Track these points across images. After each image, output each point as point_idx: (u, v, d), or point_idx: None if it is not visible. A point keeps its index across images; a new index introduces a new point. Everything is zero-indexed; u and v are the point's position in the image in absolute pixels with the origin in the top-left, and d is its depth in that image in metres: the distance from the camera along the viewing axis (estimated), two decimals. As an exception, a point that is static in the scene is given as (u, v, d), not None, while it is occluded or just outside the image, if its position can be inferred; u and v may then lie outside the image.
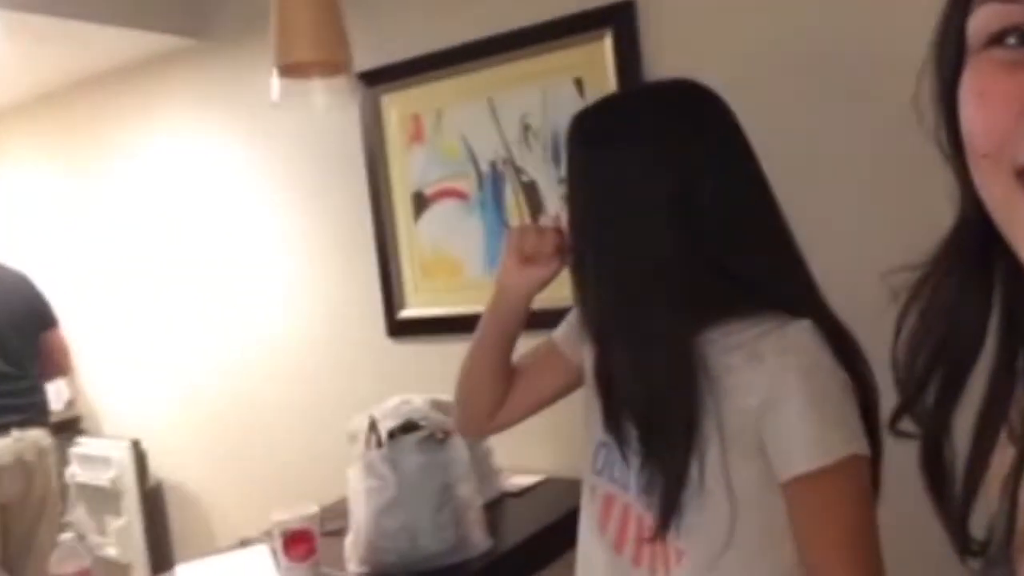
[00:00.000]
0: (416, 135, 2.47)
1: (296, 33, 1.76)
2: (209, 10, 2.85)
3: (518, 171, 2.30)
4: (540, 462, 2.30)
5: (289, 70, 1.81)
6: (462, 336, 2.30)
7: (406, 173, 2.50)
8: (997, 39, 0.43)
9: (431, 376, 2.39)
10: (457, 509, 1.74)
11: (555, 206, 2.24)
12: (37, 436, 2.76)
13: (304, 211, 2.76)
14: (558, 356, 1.25)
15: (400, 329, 2.56)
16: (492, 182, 2.36)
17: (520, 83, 2.26)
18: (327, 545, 1.81)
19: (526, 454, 2.28)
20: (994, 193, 0.44)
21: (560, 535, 1.57)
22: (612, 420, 1.03)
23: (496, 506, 2.12)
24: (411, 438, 1.69)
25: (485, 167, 2.36)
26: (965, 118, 0.45)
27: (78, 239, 3.42)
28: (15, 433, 2.70)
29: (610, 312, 1.00)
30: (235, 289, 2.96)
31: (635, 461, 1.01)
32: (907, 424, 0.54)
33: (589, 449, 1.10)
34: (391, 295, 2.56)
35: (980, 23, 0.43)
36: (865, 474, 0.93)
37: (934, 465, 0.52)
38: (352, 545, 1.74)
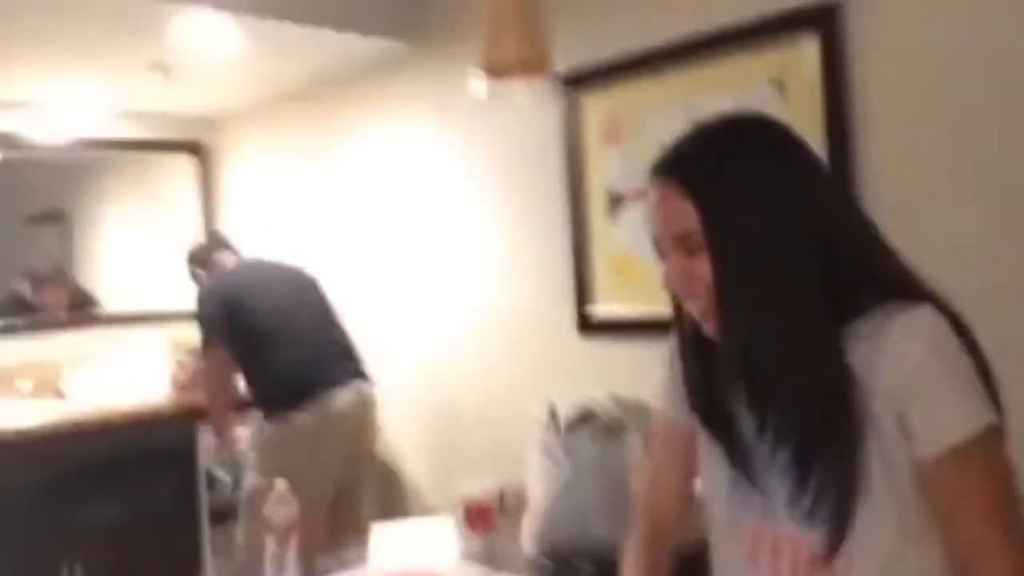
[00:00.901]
0: (614, 136, 2.52)
1: (502, 36, 1.86)
2: (423, 16, 3.04)
3: (714, 174, 2.29)
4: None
5: (494, 71, 1.91)
6: (649, 337, 2.35)
7: (602, 173, 2.56)
8: None
9: (618, 374, 2.45)
10: (632, 502, 1.77)
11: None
12: (369, 389, 3.00)
13: (504, 207, 2.89)
14: (679, 433, 1.20)
15: (590, 326, 2.62)
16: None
17: (718, 86, 2.25)
18: (507, 523, 1.91)
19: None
20: None
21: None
22: (741, 452, 1.03)
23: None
24: (587, 428, 1.74)
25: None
26: None
27: (304, 228, 3.74)
28: (356, 385, 2.95)
29: (761, 339, 0.99)
30: (439, 276, 3.14)
31: (779, 486, 1.00)
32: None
33: (716, 491, 1.09)
34: (583, 293, 2.62)
35: None
36: (1004, 444, 0.93)
37: None
38: (529, 524, 1.82)
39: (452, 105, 2.99)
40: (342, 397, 2.80)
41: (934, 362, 0.91)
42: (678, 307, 1.09)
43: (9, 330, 3.64)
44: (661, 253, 1.04)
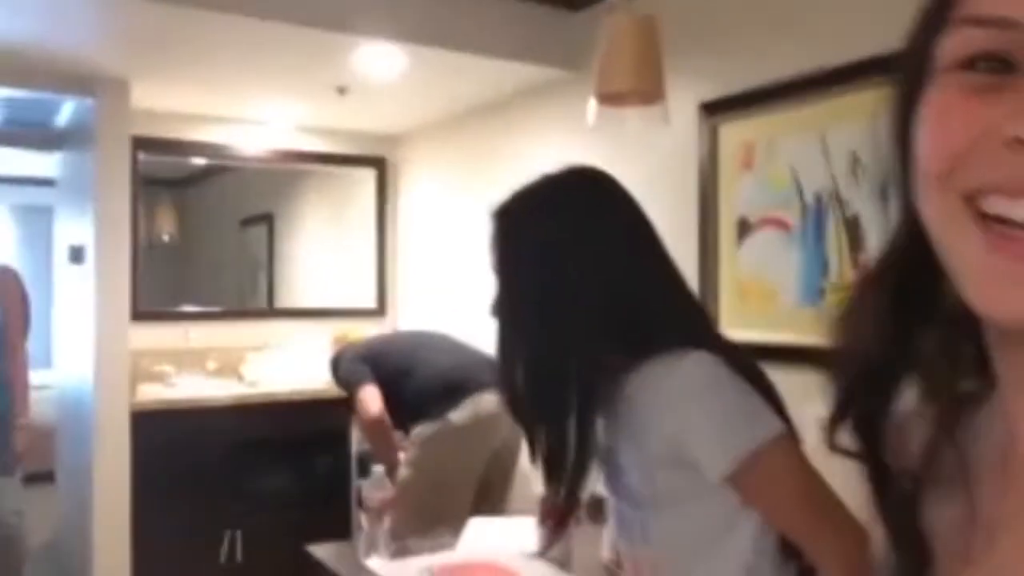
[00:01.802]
0: (747, 163, 2.53)
1: (618, 65, 1.97)
2: (581, 46, 3.17)
3: (843, 204, 2.26)
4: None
5: (608, 98, 2.01)
6: (770, 363, 2.33)
7: (734, 199, 2.57)
8: (968, 63, 0.42)
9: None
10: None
11: (876, 242, 2.15)
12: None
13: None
14: None
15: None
16: (816, 214, 2.33)
17: (852, 116, 2.22)
18: (591, 531, 1.99)
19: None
20: (939, 216, 0.44)
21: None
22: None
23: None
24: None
25: (810, 199, 2.35)
26: (922, 136, 0.45)
27: (467, 241, 3.98)
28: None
29: (541, 368, 1.15)
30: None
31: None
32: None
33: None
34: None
35: (953, 45, 0.43)
36: (787, 445, 1.06)
37: (876, 478, 0.53)
38: (607, 532, 1.89)
39: (608, 130, 3.10)
40: (490, 399, 2.96)
41: (700, 404, 1.06)
42: None
43: (207, 317, 4.14)
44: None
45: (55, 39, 2.95)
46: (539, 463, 1.17)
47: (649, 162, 2.91)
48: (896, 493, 0.51)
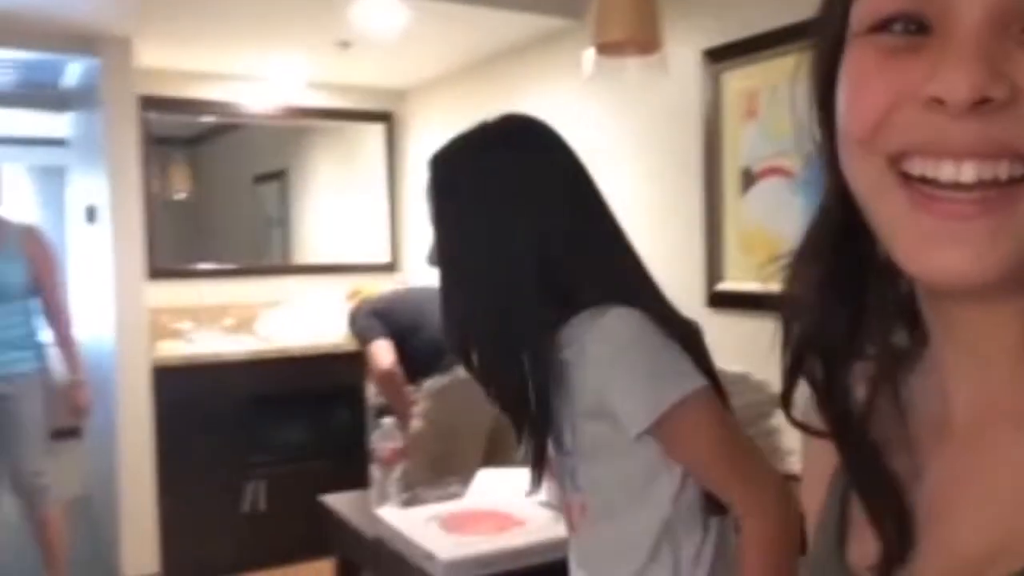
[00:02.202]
0: (751, 111, 2.51)
1: (614, 14, 1.95)
2: (587, -8, 3.13)
3: (846, 151, 2.24)
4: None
5: (606, 48, 2.00)
6: (775, 314, 2.34)
7: (738, 148, 2.56)
8: (882, 26, 0.43)
9: (743, 349, 2.46)
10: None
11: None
12: None
13: (643, 177, 2.96)
14: None
15: (718, 300, 2.64)
16: (819, 162, 2.32)
17: (855, 60, 2.19)
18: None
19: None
20: (864, 179, 0.44)
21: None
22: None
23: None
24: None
25: (814, 147, 2.33)
26: (842, 101, 0.45)
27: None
28: None
29: (481, 321, 1.16)
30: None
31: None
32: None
33: None
34: (712, 266, 2.65)
35: (867, 9, 0.43)
36: (706, 401, 1.07)
37: (840, 435, 0.53)
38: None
39: (613, 80, 3.08)
40: None
41: (619, 360, 1.08)
42: None
43: (223, 274, 4.20)
44: None
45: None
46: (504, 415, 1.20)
47: (652, 112, 2.90)
48: (863, 445, 0.52)
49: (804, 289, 0.52)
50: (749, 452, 1.10)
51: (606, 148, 3.15)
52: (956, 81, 0.39)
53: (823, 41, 0.48)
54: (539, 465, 1.16)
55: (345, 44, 3.43)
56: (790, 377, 0.53)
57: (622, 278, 1.17)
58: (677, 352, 1.09)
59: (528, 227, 1.14)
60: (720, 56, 2.57)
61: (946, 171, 0.41)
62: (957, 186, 0.41)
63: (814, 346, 0.52)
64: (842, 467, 0.54)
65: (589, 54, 1.97)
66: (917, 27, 0.42)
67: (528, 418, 1.15)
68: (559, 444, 1.19)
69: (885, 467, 0.50)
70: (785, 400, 0.54)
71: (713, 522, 1.14)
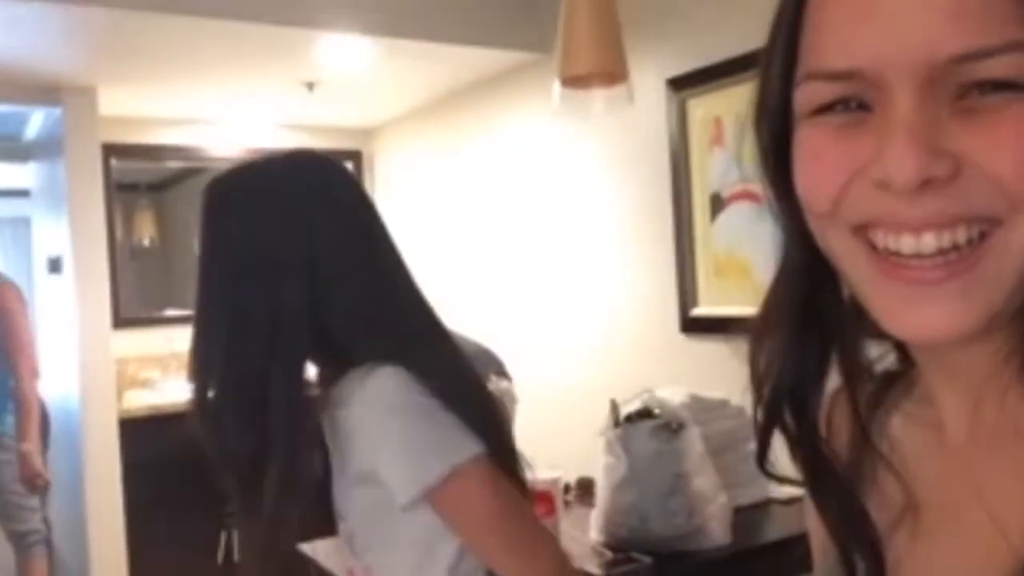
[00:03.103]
0: (717, 138, 2.53)
1: (578, 49, 1.96)
2: (550, 26, 3.15)
3: (813, 175, 2.26)
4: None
5: (572, 81, 2.01)
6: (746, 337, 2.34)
7: (706, 175, 2.58)
8: (826, 108, 0.45)
9: (720, 374, 2.46)
10: (692, 499, 1.81)
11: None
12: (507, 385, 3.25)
13: (615, 206, 2.97)
14: None
15: (692, 326, 2.64)
16: (787, 185, 2.34)
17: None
18: (580, 513, 2.00)
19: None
20: (835, 248, 0.47)
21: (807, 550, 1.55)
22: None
23: (757, 509, 2.13)
24: (646, 424, 1.80)
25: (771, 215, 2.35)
26: (800, 179, 0.47)
27: (446, 224, 3.98)
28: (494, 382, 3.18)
29: (229, 374, 1.04)
30: (555, 270, 3.27)
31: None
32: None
33: None
34: (685, 292, 2.65)
35: (807, 96, 0.45)
36: (481, 470, 1.00)
37: (813, 471, 0.55)
38: (595, 515, 1.90)
39: (568, 110, 3.10)
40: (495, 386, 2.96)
41: (386, 425, 1.00)
42: None
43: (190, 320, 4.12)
44: None
45: (18, 49, 2.92)
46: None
47: (621, 141, 2.92)
48: (836, 480, 0.53)
49: (772, 348, 0.53)
50: (528, 524, 1.04)
51: (576, 177, 3.16)
52: (898, 167, 0.41)
53: (768, 122, 0.50)
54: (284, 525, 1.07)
55: (311, 84, 3.43)
56: (764, 433, 0.55)
57: (405, 336, 1.08)
58: (451, 419, 1.00)
59: (302, 270, 1.03)
60: (683, 84, 2.59)
61: (906, 243, 0.43)
62: (920, 256, 0.42)
63: (785, 400, 0.53)
64: (816, 509, 0.55)
65: (556, 88, 1.97)
66: (858, 104, 0.44)
67: (259, 482, 1.05)
68: (337, 509, 1.14)
69: (859, 513, 0.52)
70: (761, 455, 0.56)
71: None
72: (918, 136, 0.40)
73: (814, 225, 0.47)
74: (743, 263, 2.47)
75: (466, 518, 1.03)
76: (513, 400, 3.09)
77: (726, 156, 2.50)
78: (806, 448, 0.53)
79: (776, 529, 2.04)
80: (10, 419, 3.15)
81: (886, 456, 0.52)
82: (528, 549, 1.03)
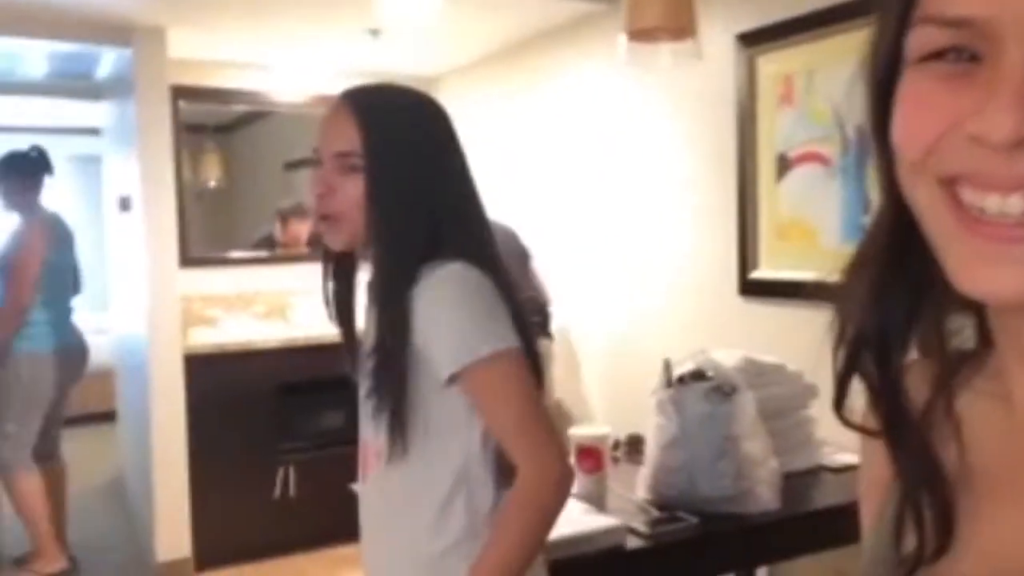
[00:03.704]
0: (786, 96, 2.46)
1: (645, 1, 1.91)
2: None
3: (885, 138, 2.19)
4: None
5: (638, 34, 1.97)
6: (810, 303, 2.31)
7: (773, 134, 2.51)
8: (936, 55, 0.44)
9: (777, 338, 2.43)
10: (740, 462, 1.80)
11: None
12: (548, 344, 3.28)
13: (677, 162, 2.93)
14: None
15: (751, 288, 2.61)
16: (857, 148, 2.27)
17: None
18: (628, 470, 2.02)
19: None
20: (919, 199, 0.46)
21: (857, 519, 1.53)
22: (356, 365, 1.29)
23: (807, 476, 2.11)
24: (698, 386, 1.80)
25: (852, 133, 2.28)
26: (896, 125, 0.47)
27: (507, 174, 3.97)
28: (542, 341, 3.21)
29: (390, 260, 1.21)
30: (615, 226, 3.25)
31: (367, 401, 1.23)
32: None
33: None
34: (745, 254, 2.61)
35: (919, 41, 0.45)
36: (515, 362, 1.17)
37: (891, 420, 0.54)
38: (643, 473, 1.91)
39: (634, 64, 3.04)
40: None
41: (447, 306, 1.16)
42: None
43: (254, 262, 4.22)
44: (318, 165, 1.24)
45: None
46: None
47: (686, 97, 2.86)
48: (914, 433, 0.53)
49: (859, 292, 0.53)
50: (543, 419, 1.19)
51: (640, 132, 3.12)
52: (997, 123, 0.40)
53: (877, 69, 0.49)
54: (402, 423, 1.19)
55: (375, 31, 3.42)
56: (843, 378, 0.54)
57: (476, 244, 1.25)
58: (502, 314, 1.18)
59: (436, 179, 1.24)
60: (755, 40, 2.52)
61: (992, 203, 0.42)
62: (1004, 215, 0.42)
63: (868, 345, 0.53)
64: (892, 463, 0.55)
65: (621, 40, 1.94)
66: (970, 56, 0.43)
67: (386, 373, 1.19)
68: (376, 388, 1.22)
69: (933, 461, 0.52)
70: (838, 401, 0.55)
71: (503, 493, 1.21)
72: (1022, 94, 0.40)
73: (904, 174, 0.47)
74: (807, 226, 2.42)
75: (495, 398, 1.18)
76: (550, 358, 3.11)
77: (795, 115, 2.44)
78: (887, 400, 0.53)
79: (826, 497, 2.03)
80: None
81: (954, 424, 0.52)
82: (542, 436, 1.17)
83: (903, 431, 0.53)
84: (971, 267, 0.44)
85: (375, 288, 1.22)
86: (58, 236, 3.51)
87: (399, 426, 1.20)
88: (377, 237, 1.21)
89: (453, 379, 1.16)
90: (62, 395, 3.55)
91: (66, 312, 3.53)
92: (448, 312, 1.17)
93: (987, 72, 0.42)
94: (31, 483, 3.43)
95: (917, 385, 0.54)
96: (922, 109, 0.45)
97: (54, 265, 3.44)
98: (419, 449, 1.21)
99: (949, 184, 0.44)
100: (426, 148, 1.25)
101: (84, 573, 3.65)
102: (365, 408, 1.26)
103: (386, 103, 1.28)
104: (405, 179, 1.22)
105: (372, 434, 1.25)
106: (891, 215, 0.51)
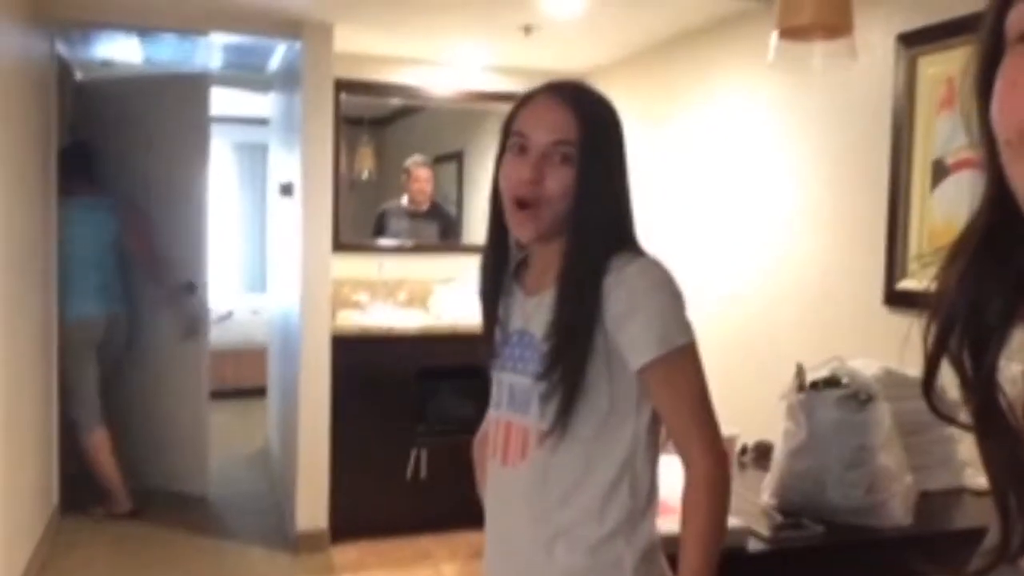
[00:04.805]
0: (947, 100, 2.36)
1: (801, -2, 1.87)
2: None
3: (1055, 145, 2.06)
4: None
5: (791, 32, 1.93)
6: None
7: (931, 139, 2.41)
8: None
9: (921, 351, 2.33)
10: (874, 473, 1.75)
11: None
12: None
13: (825, 164, 2.84)
14: None
15: (897, 299, 2.51)
16: (1023, 156, 2.15)
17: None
18: (755, 476, 1.99)
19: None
20: (1018, 180, 0.46)
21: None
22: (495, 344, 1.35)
23: (946, 496, 2.02)
24: (832, 393, 1.75)
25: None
26: (994, 105, 0.47)
27: (654, 171, 3.96)
28: None
29: (586, 247, 1.26)
30: (753, 222, 3.19)
31: (529, 384, 1.26)
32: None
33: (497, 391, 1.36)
34: (893, 263, 2.51)
35: (1018, 18, 0.45)
36: (696, 354, 1.23)
37: (987, 431, 0.53)
38: (769, 478, 1.88)
39: (785, 63, 2.97)
40: None
41: (650, 296, 1.21)
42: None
43: (398, 250, 4.40)
44: (523, 152, 1.26)
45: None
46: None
47: (839, 99, 2.78)
48: (1006, 428, 0.52)
49: (954, 277, 0.52)
50: (710, 405, 1.25)
51: (788, 133, 3.05)
52: None
53: (981, 47, 0.49)
54: (572, 403, 1.23)
55: (528, 28, 3.50)
56: (932, 359, 0.53)
57: (636, 239, 1.32)
58: (685, 306, 1.24)
59: (626, 176, 1.31)
60: (916, 40, 2.42)
61: None
62: None
63: (959, 328, 0.52)
64: (981, 458, 0.54)
65: (773, 38, 1.91)
66: None
67: (563, 353, 1.23)
68: (532, 370, 1.26)
69: (1022, 461, 0.50)
70: (927, 384, 0.55)
71: (653, 484, 1.28)
72: None
73: (1004, 154, 0.47)
74: (962, 236, 2.30)
75: (680, 388, 1.23)
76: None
77: (955, 119, 2.32)
78: (980, 392, 0.52)
79: (963, 519, 1.94)
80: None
81: None
82: (714, 424, 1.23)
83: (994, 426, 0.52)
84: None
85: (568, 275, 1.25)
86: (83, 220, 3.95)
87: (571, 410, 1.23)
88: (576, 227, 1.25)
89: (645, 367, 1.20)
90: (109, 360, 4.05)
91: (88, 287, 3.96)
92: (651, 302, 1.21)
93: None
94: (97, 439, 3.91)
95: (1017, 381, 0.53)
96: (1018, 88, 0.45)
97: (77, 244, 3.90)
98: (590, 433, 1.24)
99: None
100: (622, 147, 1.32)
101: (228, 534, 3.93)
102: (514, 390, 1.30)
103: (595, 100, 1.33)
104: (610, 174, 1.28)
105: (536, 417, 1.26)
106: (992, 200, 0.50)
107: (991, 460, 0.53)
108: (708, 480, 1.21)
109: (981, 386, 0.52)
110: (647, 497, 1.27)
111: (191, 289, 4.19)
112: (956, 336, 0.52)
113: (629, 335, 1.20)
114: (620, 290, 1.20)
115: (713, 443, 1.22)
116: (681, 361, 1.21)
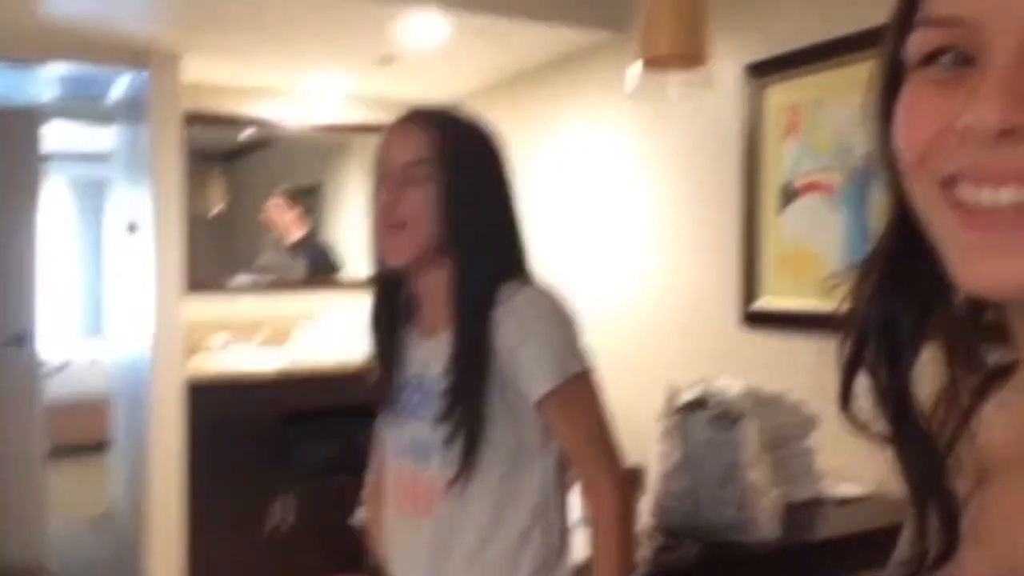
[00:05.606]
0: (792, 127, 2.49)
1: (661, 27, 1.93)
2: (628, 5, 3.12)
3: (891, 169, 2.21)
4: (874, 473, 2.20)
5: (650, 63, 1.98)
6: (812, 332, 2.31)
7: (779, 164, 2.53)
8: (930, 59, 0.46)
9: (778, 369, 2.42)
10: (744, 491, 1.79)
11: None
12: None
13: (679, 193, 2.94)
14: None
15: (753, 319, 2.60)
16: (861, 178, 2.28)
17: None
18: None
19: (856, 463, 2.19)
20: (920, 201, 0.48)
21: (858, 551, 1.50)
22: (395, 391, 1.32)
23: (808, 506, 2.09)
24: (702, 414, 1.79)
25: (857, 162, 2.30)
26: (895, 131, 0.49)
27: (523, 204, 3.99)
28: None
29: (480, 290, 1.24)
30: (619, 256, 3.26)
31: (429, 430, 1.23)
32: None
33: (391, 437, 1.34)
34: (749, 284, 2.61)
35: (915, 44, 0.47)
36: (594, 382, 1.23)
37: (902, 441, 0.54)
38: (647, 500, 1.90)
39: (642, 93, 3.07)
40: None
41: (540, 328, 1.19)
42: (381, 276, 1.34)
43: (257, 288, 4.23)
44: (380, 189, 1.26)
45: (111, 13, 3.01)
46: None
47: (692, 127, 2.88)
48: (920, 435, 0.53)
49: (866, 289, 0.54)
50: (610, 434, 1.23)
51: (642, 162, 3.14)
52: (983, 112, 0.42)
53: (882, 73, 0.51)
54: (475, 449, 1.19)
55: (386, 59, 3.46)
56: (848, 370, 0.55)
57: (525, 268, 1.32)
58: (578, 334, 1.23)
59: (503, 191, 1.30)
60: (763, 71, 2.55)
61: (986, 195, 0.44)
62: (998, 207, 0.43)
63: (873, 338, 0.53)
64: (898, 468, 0.55)
65: (634, 68, 1.95)
66: (963, 59, 0.45)
67: (463, 398, 1.19)
68: (432, 416, 1.22)
69: (938, 468, 0.52)
70: (844, 395, 0.55)
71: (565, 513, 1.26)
72: (1007, 86, 0.42)
73: (905, 178, 0.49)
74: (811, 256, 2.42)
75: (580, 419, 1.22)
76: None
77: (800, 145, 2.46)
78: (894, 401, 0.53)
79: (825, 528, 2.02)
80: None
81: (971, 429, 0.52)
82: (616, 451, 1.22)
83: (912, 434, 0.53)
84: (970, 261, 0.45)
85: (459, 309, 1.22)
86: None
87: (474, 451, 1.18)
88: (456, 252, 1.22)
89: (543, 398, 1.18)
90: None
91: None
92: (542, 332, 1.19)
93: (977, 72, 0.43)
94: None
95: (940, 411, 0.54)
96: (917, 113, 0.47)
97: None
98: (497, 476, 1.20)
99: (948, 185, 0.45)
100: (496, 167, 1.30)
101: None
102: (415, 438, 1.26)
103: (455, 120, 1.32)
104: (481, 193, 1.26)
105: (439, 465, 1.22)
106: (895, 222, 0.52)
107: (910, 469, 0.54)
108: (614, 508, 1.19)
109: (897, 395, 0.54)
110: (560, 538, 1.24)
111: (19, 341, 3.86)
112: (871, 349, 0.54)
113: (523, 367, 1.18)
114: (509, 321, 1.18)
115: (613, 470, 1.20)
116: (577, 391, 1.20)
